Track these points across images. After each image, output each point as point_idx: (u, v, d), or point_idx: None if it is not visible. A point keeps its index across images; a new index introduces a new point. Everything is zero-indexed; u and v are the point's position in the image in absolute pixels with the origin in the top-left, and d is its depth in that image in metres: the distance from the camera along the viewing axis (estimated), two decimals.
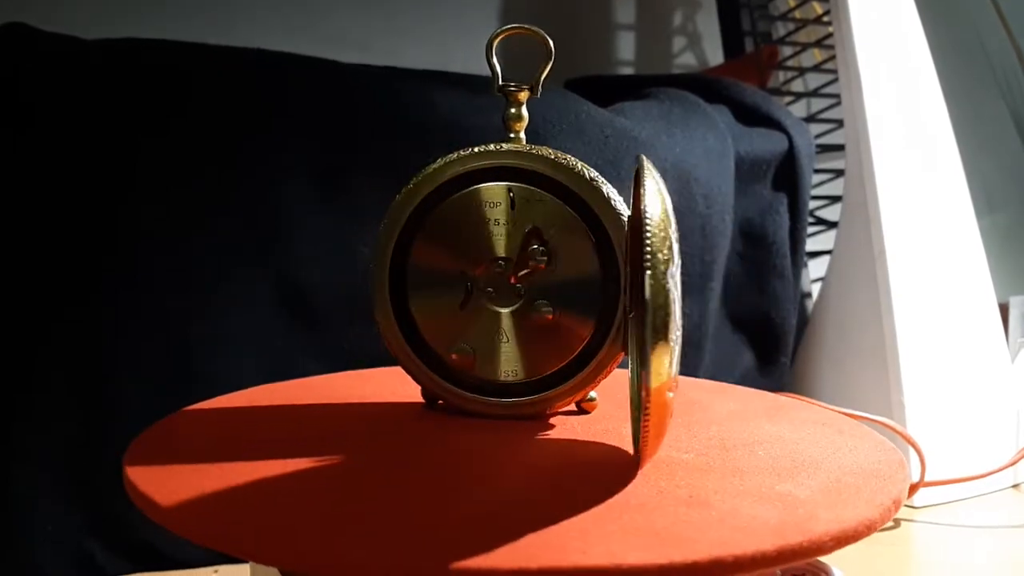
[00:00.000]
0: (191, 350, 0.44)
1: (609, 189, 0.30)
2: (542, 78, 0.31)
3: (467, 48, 0.73)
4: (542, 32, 0.31)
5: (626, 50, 0.81)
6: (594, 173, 0.30)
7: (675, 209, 0.54)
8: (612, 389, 0.34)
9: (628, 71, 0.81)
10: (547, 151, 0.30)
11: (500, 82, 0.31)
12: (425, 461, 0.28)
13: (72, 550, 0.41)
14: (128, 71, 0.44)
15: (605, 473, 0.26)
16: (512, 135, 0.31)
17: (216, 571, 0.42)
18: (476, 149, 0.31)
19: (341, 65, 0.49)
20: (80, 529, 0.41)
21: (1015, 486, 0.54)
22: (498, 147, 0.30)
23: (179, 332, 0.44)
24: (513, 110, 0.31)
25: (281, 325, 0.45)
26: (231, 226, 0.45)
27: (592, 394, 0.32)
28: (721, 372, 0.59)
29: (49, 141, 0.42)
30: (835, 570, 0.32)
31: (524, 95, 0.31)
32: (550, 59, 0.31)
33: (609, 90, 0.61)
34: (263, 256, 0.45)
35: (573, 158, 0.31)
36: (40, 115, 0.42)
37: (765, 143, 0.61)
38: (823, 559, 0.33)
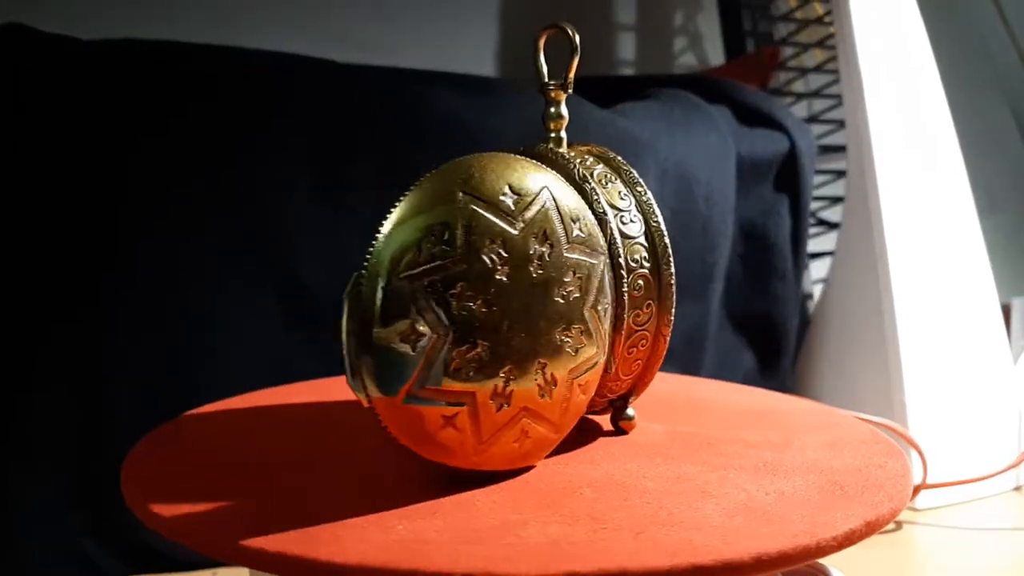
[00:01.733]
0: (191, 351, 0.44)
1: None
2: (571, 75, 0.30)
3: (467, 49, 0.73)
4: (571, 29, 0.30)
5: (627, 50, 0.81)
6: (600, 171, 0.30)
7: (676, 210, 0.55)
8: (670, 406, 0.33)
9: (629, 71, 0.81)
10: (579, 150, 0.29)
11: (545, 80, 0.30)
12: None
13: (71, 550, 0.41)
14: (127, 72, 0.44)
15: (438, 481, 0.26)
16: (552, 135, 0.30)
17: (215, 573, 0.42)
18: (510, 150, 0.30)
19: (341, 65, 0.49)
20: (79, 529, 0.41)
21: (1017, 488, 0.53)
22: (529, 147, 0.30)
23: (179, 333, 0.44)
24: (552, 109, 0.30)
25: (281, 326, 0.45)
26: (231, 227, 0.45)
27: (629, 411, 0.31)
28: (722, 373, 0.59)
29: (48, 142, 0.42)
30: (835, 572, 0.32)
31: (562, 94, 0.30)
32: (576, 54, 0.30)
33: (610, 91, 0.61)
34: (263, 257, 0.45)
35: (595, 156, 0.30)
36: (39, 116, 0.42)
37: (766, 144, 0.61)
38: (822, 561, 0.32)
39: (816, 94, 0.73)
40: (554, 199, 0.25)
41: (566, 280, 0.25)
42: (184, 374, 0.43)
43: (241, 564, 0.22)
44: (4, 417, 0.41)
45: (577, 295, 0.25)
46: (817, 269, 0.69)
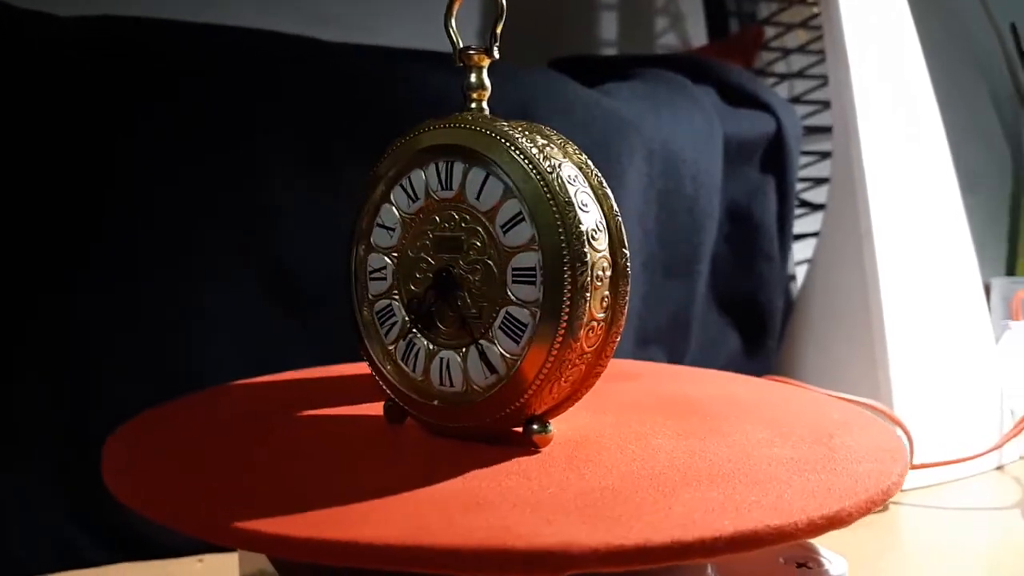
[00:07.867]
0: (178, 339, 0.43)
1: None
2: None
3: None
4: None
5: (609, 30, 0.81)
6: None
7: (663, 190, 0.54)
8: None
9: (611, 51, 0.81)
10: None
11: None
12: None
13: (54, 538, 0.41)
14: (104, 49, 0.43)
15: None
16: (473, 106, 0.28)
17: (201, 560, 0.41)
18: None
19: (327, 44, 0.48)
20: (64, 519, 0.41)
21: (999, 468, 0.54)
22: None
23: (166, 321, 0.43)
24: (473, 78, 0.28)
25: (269, 313, 0.45)
26: (217, 211, 0.44)
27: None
28: (707, 355, 0.59)
29: (26, 125, 0.41)
30: (835, 557, 0.32)
31: (485, 60, 0.28)
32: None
33: (594, 70, 0.60)
34: (250, 242, 0.44)
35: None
36: (14, 98, 0.41)
37: (753, 124, 0.60)
38: (813, 542, 0.32)
39: (799, 74, 0.73)
40: None
41: None
42: (171, 362, 0.42)
43: (228, 543, 0.22)
44: None
45: None
46: (799, 250, 0.69)
